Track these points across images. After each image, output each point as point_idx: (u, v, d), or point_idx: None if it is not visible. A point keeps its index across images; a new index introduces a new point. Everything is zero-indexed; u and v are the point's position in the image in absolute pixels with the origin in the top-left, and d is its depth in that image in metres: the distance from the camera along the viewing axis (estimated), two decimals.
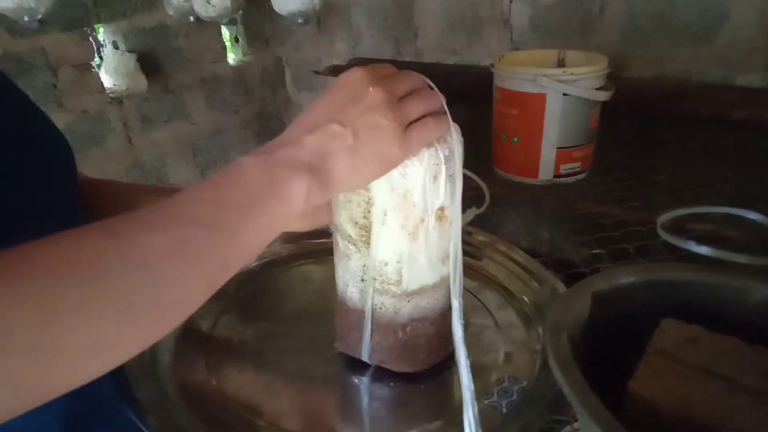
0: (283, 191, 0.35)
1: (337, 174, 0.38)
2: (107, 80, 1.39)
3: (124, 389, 0.46)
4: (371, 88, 0.38)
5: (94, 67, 1.37)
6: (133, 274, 0.28)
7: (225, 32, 1.69)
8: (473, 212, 0.78)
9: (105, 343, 0.28)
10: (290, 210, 0.36)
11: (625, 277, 0.47)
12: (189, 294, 0.32)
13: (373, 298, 0.48)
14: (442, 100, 0.43)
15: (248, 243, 0.35)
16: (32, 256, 0.27)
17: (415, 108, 0.40)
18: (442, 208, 0.45)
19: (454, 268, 0.46)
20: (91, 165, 1.38)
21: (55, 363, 0.26)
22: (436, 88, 0.44)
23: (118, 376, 0.47)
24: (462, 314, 0.44)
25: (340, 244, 0.49)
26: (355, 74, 0.39)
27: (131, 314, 0.29)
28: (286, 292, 0.67)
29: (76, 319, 0.27)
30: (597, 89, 0.81)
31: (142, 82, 1.42)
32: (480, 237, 0.67)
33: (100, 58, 1.39)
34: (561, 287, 0.56)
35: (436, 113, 0.42)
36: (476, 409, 0.40)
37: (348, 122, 0.37)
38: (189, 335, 0.57)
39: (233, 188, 0.34)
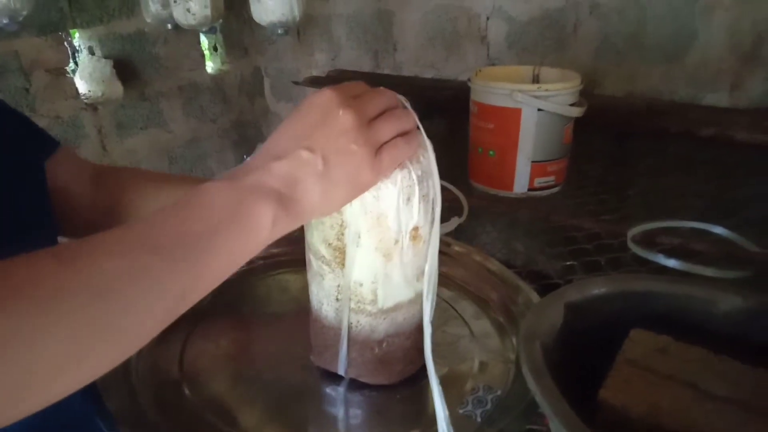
0: (247, 219, 0.34)
1: (308, 201, 0.37)
2: (82, 86, 1.37)
3: (94, 399, 0.45)
4: (341, 111, 0.37)
5: (68, 73, 1.35)
6: (90, 302, 0.28)
7: (204, 40, 1.68)
8: (456, 221, 0.79)
9: (61, 369, 0.27)
10: (254, 239, 0.35)
11: (597, 288, 0.48)
12: (146, 322, 0.31)
13: (349, 317, 0.48)
14: (415, 118, 0.43)
15: (208, 274, 0.33)
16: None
17: (385, 130, 0.40)
18: (416, 228, 0.45)
19: (428, 290, 0.46)
20: None
21: (9, 390, 0.26)
22: (409, 106, 0.43)
23: (89, 385, 0.46)
24: (432, 336, 0.44)
25: (314, 264, 0.48)
26: (324, 96, 0.38)
27: (88, 341, 0.28)
28: (263, 302, 0.66)
29: (31, 349, 0.26)
30: (570, 105, 0.83)
31: (117, 89, 1.40)
32: (456, 247, 0.68)
33: (75, 63, 1.37)
34: (535, 297, 0.57)
35: (407, 133, 0.42)
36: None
37: (317, 148, 0.37)
38: (164, 343, 0.56)
39: (196, 215, 0.33)
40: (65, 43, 1.33)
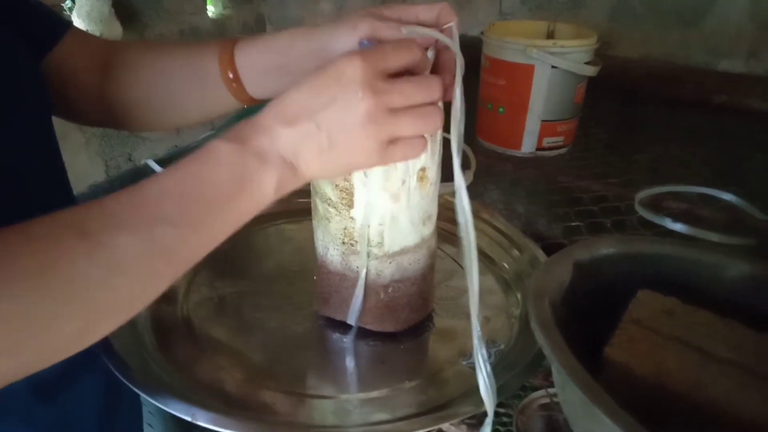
0: (253, 186, 0.34)
1: (307, 170, 0.36)
2: (79, 24, 1.33)
3: (101, 341, 0.45)
4: (361, 94, 0.34)
5: (65, 10, 1.31)
6: (104, 279, 0.29)
7: None
8: (469, 174, 0.78)
9: (75, 338, 0.30)
10: (259, 203, 0.35)
11: (606, 248, 0.48)
12: (156, 286, 0.33)
13: (348, 261, 0.48)
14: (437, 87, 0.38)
15: (215, 236, 0.35)
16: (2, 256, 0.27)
17: (407, 127, 0.37)
18: (423, 169, 0.44)
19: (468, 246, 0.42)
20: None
21: (22, 360, 0.28)
22: (459, 53, 0.40)
23: None
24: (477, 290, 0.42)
25: (320, 208, 0.48)
26: (352, 66, 0.34)
27: (102, 312, 0.30)
28: (265, 251, 0.66)
29: (47, 323, 0.28)
30: (585, 64, 0.81)
31: (116, 30, 1.36)
32: None
33: (72, 1, 1.33)
34: (541, 255, 0.57)
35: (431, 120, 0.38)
36: (489, 368, 0.40)
37: (325, 126, 0.35)
38: (166, 290, 0.56)
39: (204, 181, 0.33)
40: None
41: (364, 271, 0.48)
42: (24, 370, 0.29)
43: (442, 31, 0.41)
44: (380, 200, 0.45)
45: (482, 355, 0.40)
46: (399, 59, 0.36)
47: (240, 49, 0.47)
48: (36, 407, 0.42)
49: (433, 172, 0.46)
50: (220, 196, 0.33)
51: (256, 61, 0.47)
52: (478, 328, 0.41)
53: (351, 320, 0.51)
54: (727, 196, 0.71)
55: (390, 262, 0.48)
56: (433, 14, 0.42)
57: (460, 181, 0.39)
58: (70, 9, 1.32)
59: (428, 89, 0.37)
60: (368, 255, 0.47)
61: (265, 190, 0.35)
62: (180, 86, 0.50)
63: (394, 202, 0.45)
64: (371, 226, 0.46)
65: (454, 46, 0.40)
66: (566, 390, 0.38)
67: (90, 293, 0.29)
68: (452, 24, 0.41)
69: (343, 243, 0.48)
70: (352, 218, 0.46)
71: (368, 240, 0.47)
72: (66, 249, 0.28)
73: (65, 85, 0.50)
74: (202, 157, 0.34)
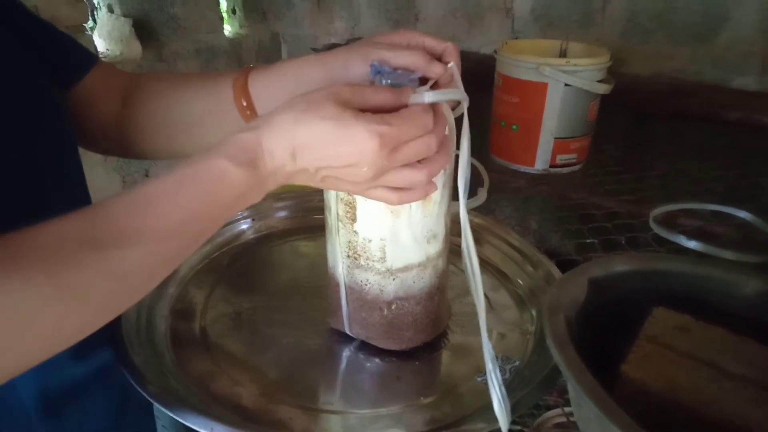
0: (246, 204, 0.38)
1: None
2: (100, 44, 1.36)
3: (120, 355, 0.46)
4: (366, 170, 0.38)
5: (87, 30, 1.34)
6: (107, 287, 0.32)
7: (222, 2, 1.66)
8: (483, 193, 0.79)
9: (67, 338, 0.32)
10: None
11: (621, 265, 0.48)
12: (147, 290, 0.36)
13: (353, 274, 0.49)
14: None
15: (199, 245, 0.38)
16: (12, 258, 0.28)
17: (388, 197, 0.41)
18: None
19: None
20: None
21: (25, 356, 0.30)
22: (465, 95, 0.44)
23: (116, 337, 0.47)
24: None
25: (329, 221, 0.49)
26: (371, 147, 0.36)
27: (97, 315, 0.33)
28: (280, 267, 0.67)
29: (47, 326, 0.30)
30: (598, 82, 0.81)
31: (136, 48, 1.39)
32: (477, 220, 0.68)
33: (94, 21, 1.36)
34: (556, 272, 0.57)
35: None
36: (503, 389, 0.40)
37: (323, 175, 0.39)
38: (184, 303, 0.57)
39: (213, 202, 0.36)
40: (84, 0, 1.32)
41: (342, 279, 0.49)
42: (11, 369, 0.30)
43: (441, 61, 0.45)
44: (381, 215, 0.45)
45: (496, 377, 0.40)
46: (411, 134, 0.39)
47: (254, 77, 0.49)
48: (38, 422, 0.43)
49: (437, 193, 0.45)
50: (221, 214, 0.37)
51: (270, 89, 0.49)
52: (491, 349, 0.42)
53: (346, 328, 0.52)
54: (742, 214, 0.71)
55: (393, 279, 0.48)
56: (440, 48, 0.45)
57: (465, 222, 0.44)
58: (92, 29, 1.35)
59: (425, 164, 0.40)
60: (370, 269, 0.48)
61: (248, 205, 0.39)
62: (195, 114, 0.52)
63: (395, 218, 0.45)
64: (372, 241, 0.47)
65: (460, 92, 0.43)
66: (582, 406, 0.38)
67: (93, 300, 0.31)
68: (453, 64, 0.44)
69: (348, 256, 0.48)
70: (355, 232, 0.47)
71: (370, 254, 0.47)
72: (76, 260, 0.30)
73: (87, 115, 0.52)
74: (211, 177, 0.35)
